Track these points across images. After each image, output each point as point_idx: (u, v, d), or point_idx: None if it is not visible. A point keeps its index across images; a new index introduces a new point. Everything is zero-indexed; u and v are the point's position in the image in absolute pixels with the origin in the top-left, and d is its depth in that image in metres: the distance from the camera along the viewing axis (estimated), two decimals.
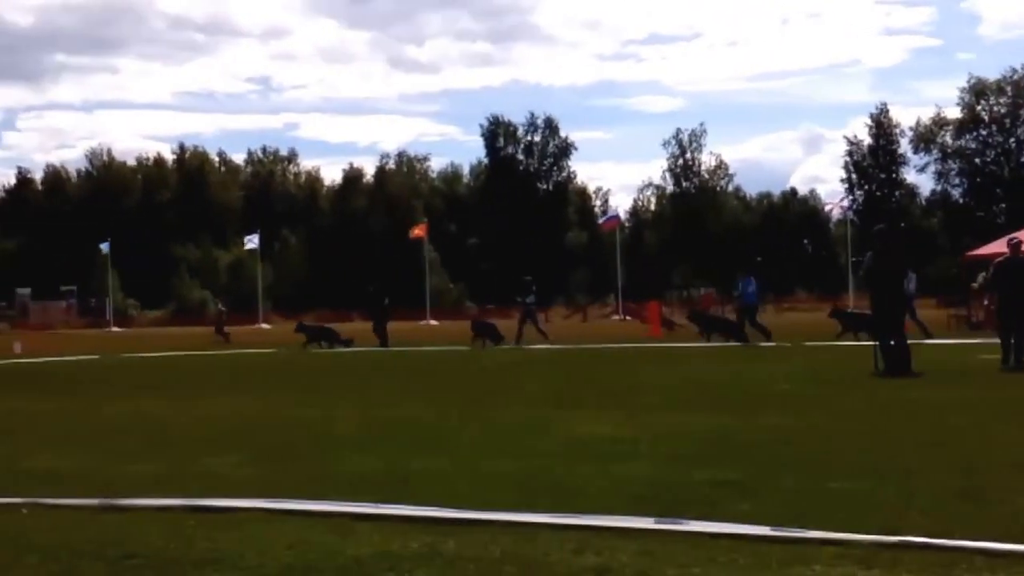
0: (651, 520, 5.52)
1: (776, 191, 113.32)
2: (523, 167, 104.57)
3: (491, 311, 64.05)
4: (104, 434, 10.24)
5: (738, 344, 24.29)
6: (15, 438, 9.99)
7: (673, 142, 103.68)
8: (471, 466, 7.57)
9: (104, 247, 72.90)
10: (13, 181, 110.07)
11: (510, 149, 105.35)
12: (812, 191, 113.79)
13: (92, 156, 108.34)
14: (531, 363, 21.19)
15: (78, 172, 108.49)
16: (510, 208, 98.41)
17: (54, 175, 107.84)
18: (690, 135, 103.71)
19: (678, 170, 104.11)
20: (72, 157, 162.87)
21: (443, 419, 10.85)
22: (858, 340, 22.85)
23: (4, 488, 6.91)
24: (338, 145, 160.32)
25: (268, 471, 7.67)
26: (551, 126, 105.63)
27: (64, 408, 13.30)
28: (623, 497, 6.30)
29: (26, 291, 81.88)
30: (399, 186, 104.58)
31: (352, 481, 7.04)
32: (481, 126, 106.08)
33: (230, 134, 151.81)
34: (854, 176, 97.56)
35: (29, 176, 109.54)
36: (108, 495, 6.52)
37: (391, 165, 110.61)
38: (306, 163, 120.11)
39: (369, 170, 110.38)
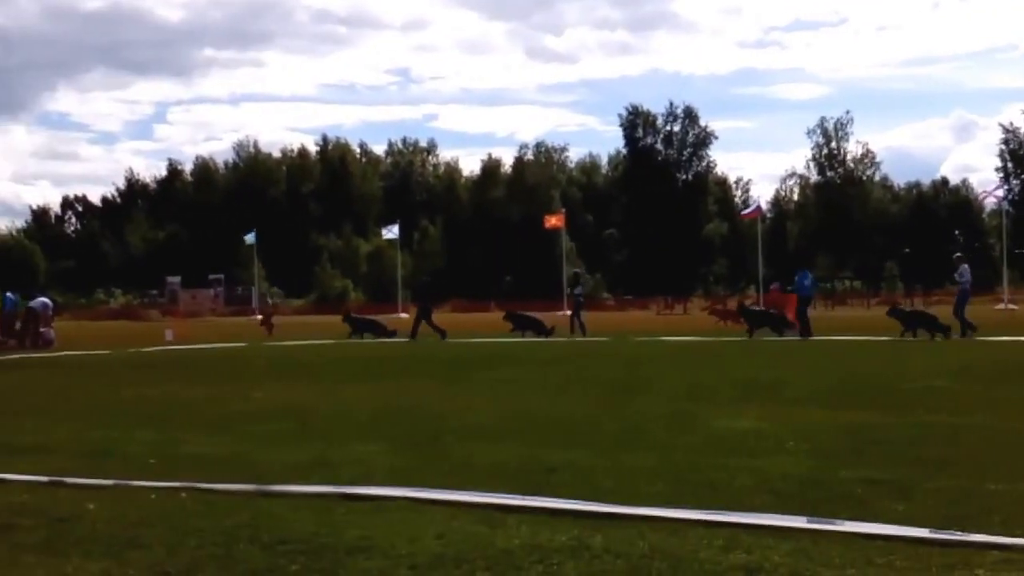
0: (803, 519, 5.39)
1: (925, 180, 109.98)
2: (662, 157, 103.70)
3: (629, 302, 63.72)
4: (253, 420, 10.51)
5: (799, 338, 24.78)
6: (170, 424, 10.32)
7: (818, 131, 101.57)
8: (613, 459, 7.52)
9: (250, 237, 75.13)
10: (164, 173, 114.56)
11: (649, 139, 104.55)
12: (964, 180, 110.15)
13: (239, 148, 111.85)
14: (663, 356, 20.99)
15: (225, 164, 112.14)
16: (648, 198, 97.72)
17: (203, 167, 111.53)
18: (836, 123, 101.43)
19: (823, 159, 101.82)
20: (220, 149, 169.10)
21: (580, 411, 10.81)
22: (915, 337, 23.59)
23: (163, 473, 7.17)
24: (476, 136, 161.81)
25: (411, 460, 7.77)
26: (691, 115, 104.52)
27: (214, 395, 13.71)
28: (770, 494, 6.18)
29: (176, 279, 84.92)
30: (536, 176, 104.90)
31: (493, 472, 7.08)
32: (620, 116, 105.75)
33: (371, 125, 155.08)
34: (1010, 165, 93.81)
35: (179, 168, 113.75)
36: (261, 481, 6.70)
37: (529, 155, 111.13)
38: (445, 154, 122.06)
39: (507, 160, 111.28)
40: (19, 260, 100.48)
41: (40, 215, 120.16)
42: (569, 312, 29.95)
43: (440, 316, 32.49)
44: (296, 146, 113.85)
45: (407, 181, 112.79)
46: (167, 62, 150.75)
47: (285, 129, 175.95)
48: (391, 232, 70.53)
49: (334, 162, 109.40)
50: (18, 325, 31.00)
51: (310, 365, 20.17)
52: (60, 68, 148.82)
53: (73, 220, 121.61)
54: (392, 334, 30.07)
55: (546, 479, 6.78)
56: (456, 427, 9.60)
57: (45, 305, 30.43)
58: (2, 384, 16.80)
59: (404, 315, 62.73)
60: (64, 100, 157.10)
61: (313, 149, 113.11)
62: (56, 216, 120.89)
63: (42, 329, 29.81)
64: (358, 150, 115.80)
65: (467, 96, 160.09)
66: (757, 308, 30.27)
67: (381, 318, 34.86)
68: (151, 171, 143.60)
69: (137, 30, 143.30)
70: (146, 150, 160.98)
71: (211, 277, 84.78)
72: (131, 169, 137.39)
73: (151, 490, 6.59)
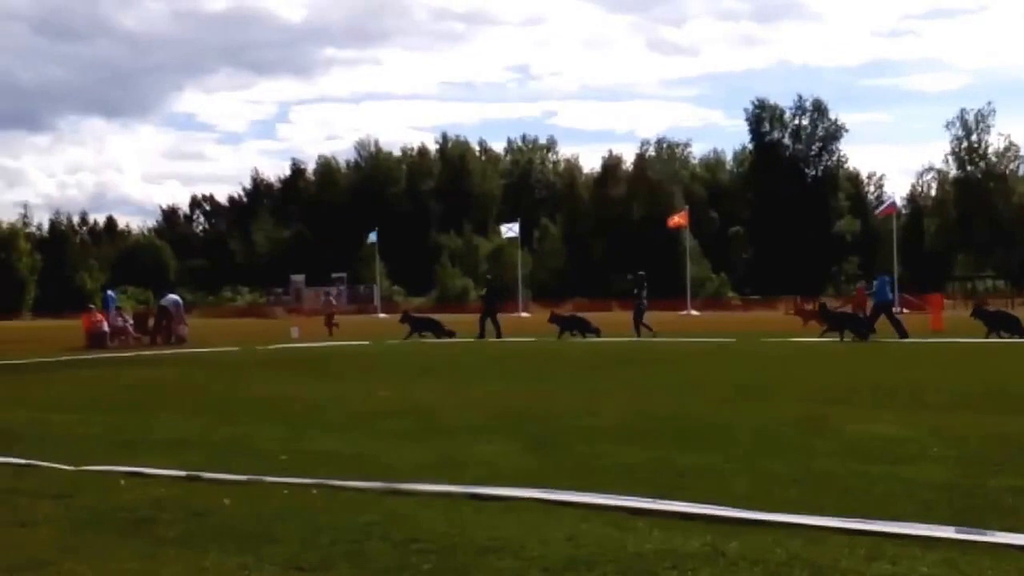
0: (951, 529, 5.15)
1: None
2: (790, 152, 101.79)
3: (755, 302, 62.76)
4: (380, 418, 10.60)
5: (861, 340, 24.47)
6: (299, 421, 10.49)
7: (957, 123, 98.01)
8: (746, 463, 7.33)
9: (371, 236, 76.32)
10: (288, 172, 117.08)
11: (776, 133, 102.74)
12: None
13: (360, 147, 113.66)
14: (791, 357, 20.55)
15: (347, 163, 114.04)
16: (776, 195, 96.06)
17: (325, 166, 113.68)
18: (976, 115, 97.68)
19: (962, 153, 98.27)
20: (341, 148, 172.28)
21: (708, 412, 10.61)
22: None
23: (295, 469, 7.25)
24: (596, 132, 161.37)
25: (538, 460, 7.71)
26: (820, 108, 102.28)
27: (341, 392, 13.89)
28: (913, 502, 5.93)
29: (300, 278, 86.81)
30: (659, 173, 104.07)
31: (622, 473, 6.97)
32: (745, 110, 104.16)
33: (490, 123, 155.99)
34: None
35: (302, 167, 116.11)
36: (389, 479, 6.72)
37: (650, 152, 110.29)
38: (565, 151, 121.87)
39: (628, 157, 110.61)
40: (150, 258, 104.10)
41: (170, 214, 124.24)
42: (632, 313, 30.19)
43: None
44: (416, 144, 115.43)
45: (527, 179, 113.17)
46: (289, 62, 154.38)
47: (405, 127, 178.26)
48: (511, 230, 70.83)
49: (454, 160, 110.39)
50: (151, 322, 32.10)
51: (434, 363, 20.32)
52: (187, 69, 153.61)
53: (201, 219, 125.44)
54: (451, 334, 30.17)
55: (676, 482, 6.64)
56: (582, 427, 9.51)
57: (176, 303, 31.38)
58: (137, 380, 17.33)
59: (525, 314, 63.01)
60: (191, 101, 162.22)
61: (433, 147, 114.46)
62: (185, 215, 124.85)
63: (177, 326, 30.74)
64: (477, 148, 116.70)
65: (587, 92, 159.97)
66: (838, 310, 29.69)
67: (500, 317, 34.95)
68: (275, 170, 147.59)
69: (260, 31, 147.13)
70: (270, 150, 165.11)
71: (334, 275, 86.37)
72: (256, 169, 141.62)
73: (283, 486, 6.67)
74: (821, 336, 26.20)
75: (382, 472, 7.06)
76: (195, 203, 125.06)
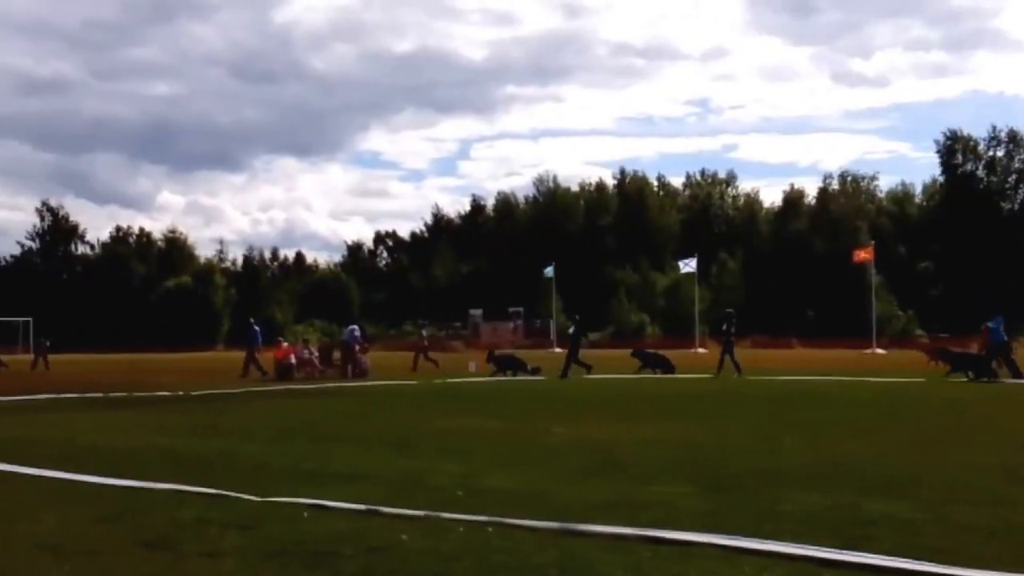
0: None
1: None
2: (984, 185, 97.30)
3: (945, 340, 59.94)
4: (553, 455, 10.56)
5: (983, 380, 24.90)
6: (475, 457, 10.54)
7: None
8: (939, 513, 6.95)
9: (548, 270, 76.75)
10: (468, 208, 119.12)
11: (969, 166, 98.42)
12: None
13: (538, 183, 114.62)
14: (987, 399, 19.50)
15: (525, 198, 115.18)
16: (968, 229, 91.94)
17: (504, 202, 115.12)
18: None
19: None
20: (520, 184, 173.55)
21: (897, 457, 10.14)
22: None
23: (470, 506, 7.26)
24: (778, 166, 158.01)
25: (717, 503, 7.50)
26: (1016, 140, 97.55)
27: (515, 428, 13.93)
28: None
29: (478, 312, 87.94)
30: (843, 207, 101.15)
31: (805, 521, 6.72)
32: (936, 142, 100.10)
33: (669, 157, 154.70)
34: None
35: (482, 203, 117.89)
36: (565, 519, 6.65)
37: (834, 185, 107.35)
38: (745, 185, 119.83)
39: (811, 191, 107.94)
40: (336, 292, 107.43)
41: (354, 250, 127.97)
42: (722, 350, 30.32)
43: (740, 351, 31.72)
44: (594, 179, 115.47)
45: (706, 213, 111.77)
46: (471, 100, 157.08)
47: (583, 163, 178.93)
48: (689, 265, 70.06)
49: (631, 195, 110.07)
50: (335, 355, 33.08)
51: (608, 400, 20.18)
52: (373, 109, 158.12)
53: (384, 254, 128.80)
54: (535, 371, 29.88)
55: (863, 531, 6.34)
56: (763, 470, 9.23)
57: (354, 334, 32.25)
58: (319, 412, 17.82)
59: (701, 350, 62.14)
60: (376, 140, 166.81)
61: (611, 182, 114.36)
62: (369, 250, 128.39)
63: (359, 358, 31.58)
64: (655, 183, 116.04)
65: (768, 125, 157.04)
66: (958, 350, 29.34)
67: (668, 353, 34.56)
68: (455, 206, 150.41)
69: (444, 71, 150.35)
70: (451, 186, 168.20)
71: (511, 310, 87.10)
72: (437, 205, 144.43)
73: (459, 523, 6.68)
74: (946, 377, 26.19)
75: (557, 511, 6.99)
76: (379, 239, 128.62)
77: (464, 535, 6.36)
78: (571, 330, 32.10)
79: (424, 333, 41.75)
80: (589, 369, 29.54)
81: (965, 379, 25.48)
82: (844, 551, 5.69)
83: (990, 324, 26.96)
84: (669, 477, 8.78)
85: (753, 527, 6.43)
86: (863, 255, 64.91)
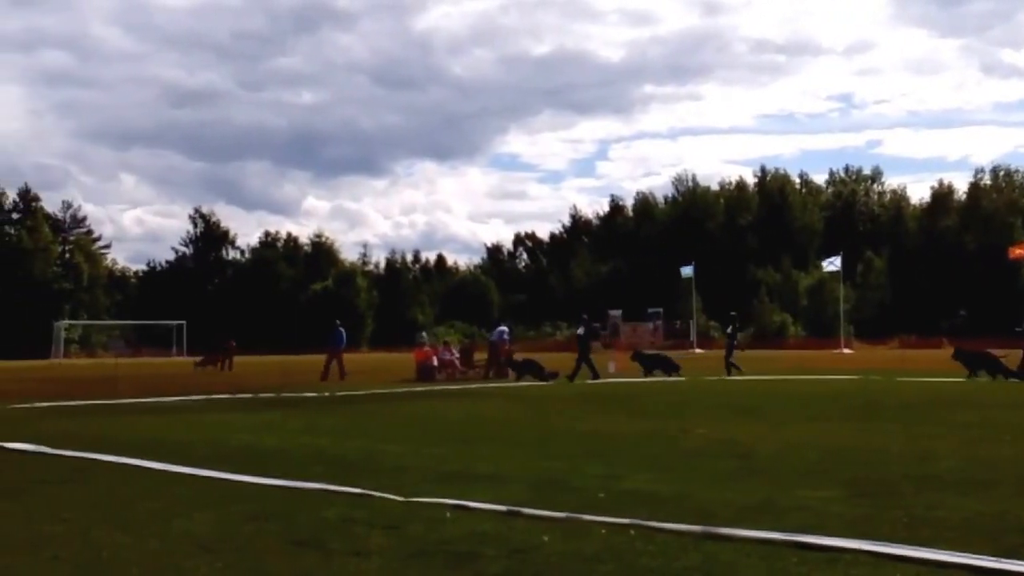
0: None
1: None
2: None
3: None
4: (697, 457, 10.43)
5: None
6: (616, 458, 10.48)
7: None
8: None
9: (687, 270, 75.97)
10: (607, 208, 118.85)
11: None
12: None
13: (677, 182, 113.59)
14: None
15: (664, 198, 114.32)
16: None
17: (643, 202, 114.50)
18: None
19: None
20: (658, 184, 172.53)
21: None
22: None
23: (612, 508, 7.22)
24: (925, 161, 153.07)
25: (865, 508, 7.29)
26: None
27: (657, 430, 13.81)
28: None
29: (617, 312, 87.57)
30: (995, 202, 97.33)
31: (960, 528, 6.48)
32: None
33: (811, 154, 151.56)
34: None
35: (621, 203, 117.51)
36: (708, 522, 6.55)
37: (986, 180, 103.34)
38: (891, 181, 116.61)
39: (960, 186, 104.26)
40: (476, 294, 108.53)
41: (494, 252, 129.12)
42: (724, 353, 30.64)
43: (886, 353, 30.81)
44: (734, 178, 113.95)
45: (850, 211, 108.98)
46: (609, 101, 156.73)
47: (723, 161, 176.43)
48: (832, 264, 68.44)
49: (773, 193, 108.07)
50: (476, 356, 33.39)
51: (749, 401, 19.84)
52: (511, 112, 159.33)
53: (523, 256, 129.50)
54: (551, 376, 28.57)
55: (1021, 539, 6.07)
56: (915, 475, 8.92)
57: (503, 336, 32.48)
58: (461, 413, 18.01)
59: (847, 351, 60.59)
60: (514, 142, 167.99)
61: (751, 180, 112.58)
62: (508, 252, 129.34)
63: (501, 359, 31.81)
64: (797, 180, 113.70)
65: (915, 119, 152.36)
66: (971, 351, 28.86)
67: (810, 354, 33.83)
68: (593, 207, 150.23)
69: (581, 72, 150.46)
70: (589, 187, 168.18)
71: (650, 311, 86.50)
72: (575, 206, 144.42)
73: (601, 525, 6.66)
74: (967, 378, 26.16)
75: (700, 515, 6.91)
76: (518, 240, 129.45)
77: (606, 537, 6.33)
78: (579, 331, 30.19)
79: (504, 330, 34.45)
80: (596, 376, 28.29)
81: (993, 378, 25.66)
82: (1001, 559, 5.46)
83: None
84: (815, 480, 8.58)
85: (905, 533, 6.24)
86: (1019, 251, 62.23)
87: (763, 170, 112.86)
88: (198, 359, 44.62)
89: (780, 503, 7.47)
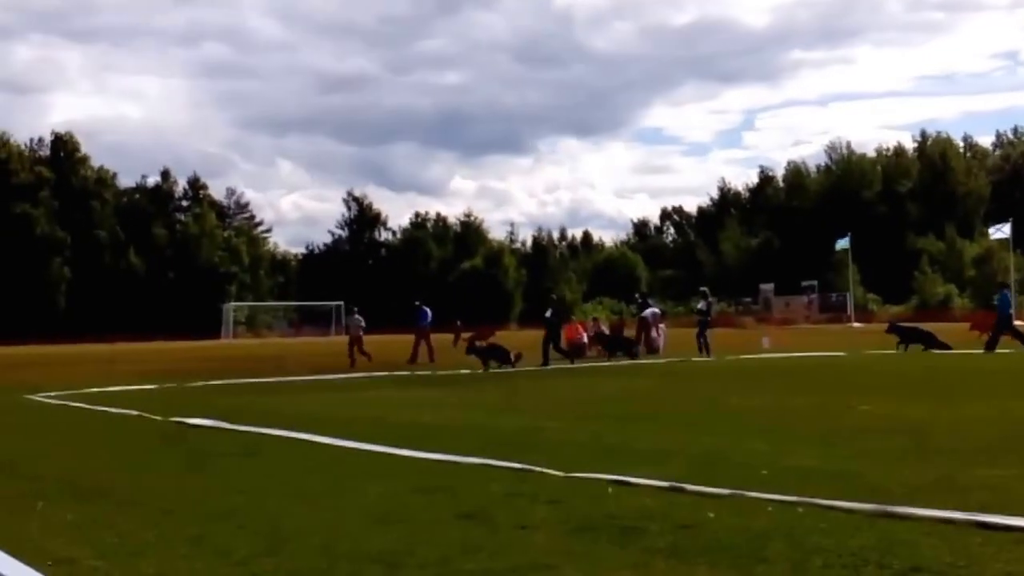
0: None
1: None
2: None
3: None
4: (863, 434, 10.13)
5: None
6: (777, 435, 10.29)
7: None
8: None
9: (843, 242, 73.86)
10: (756, 180, 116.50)
11: None
12: None
13: (830, 150, 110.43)
14: None
15: (817, 167, 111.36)
16: None
17: (794, 171, 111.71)
18: None
19: None
20: (810, 152, 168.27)
21: None
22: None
23: (777, 485, 7.08)
24: None
25: None
26: None
27: (818, 405, 13.50)
28: None
29: (769, 287, 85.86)
30: None
31: None
32: None
33: (974, 116, 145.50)
34: None
35: (771, 174, 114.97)
36: (882, 500, 6.37)
37: None
38: None
39: None
40: (623, 271, 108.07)
41: (640, 227, 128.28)
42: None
43: None
44: (891, 144, 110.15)
45: (1018, 174, 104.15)
46: (754, 69, 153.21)
47: (879, 127, 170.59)
48: (1001, 231, 65.51)
49: (934, 158, 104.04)
50: (627, 333, 33.23)
51: (914, 377, 19.21)
52: (654, 85, 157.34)
53: (671, 230, 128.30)
54: (517, 360, 25.82)
55: None
56: None
57: (654, 314, 32.28)
58: (614, 389, 17.98)
59: (1019, 323, 57.88)
60: (658, 115, 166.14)
61: (910, 146, 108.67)
62: (655, 227, 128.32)
63: (653, 336, 31.62)
64: (961, 144, 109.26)
65: None
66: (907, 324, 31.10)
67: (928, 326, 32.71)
68: (742, 179, 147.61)
69: (725, 40, 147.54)
70: (736, 158, 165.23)
71: (804, 284, 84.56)
72: (723, 178, 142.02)
73: (767, 502, 6.53)
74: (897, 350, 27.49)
75: (871, 493, 6.70)
76: (665, 215, 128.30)
77: (774, 515, 6.21)
78: (547, 313, 27.81)
79: (360, 320, 32.34)
80: (572, 360, 26.91)
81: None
82: None
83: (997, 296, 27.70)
84: (994, 458, 8.22)
85: None
86: None
87: (923, 134, 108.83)
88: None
89: (958, 481, 7.19)
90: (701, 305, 29.03)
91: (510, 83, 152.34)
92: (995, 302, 27.81)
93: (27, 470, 9.24)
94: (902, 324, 32.20)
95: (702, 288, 31.90)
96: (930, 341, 28.35)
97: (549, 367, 25.48)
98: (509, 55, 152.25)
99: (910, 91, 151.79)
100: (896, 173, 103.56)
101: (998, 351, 25.37)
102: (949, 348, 27.69)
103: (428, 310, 30.98)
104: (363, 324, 31.94)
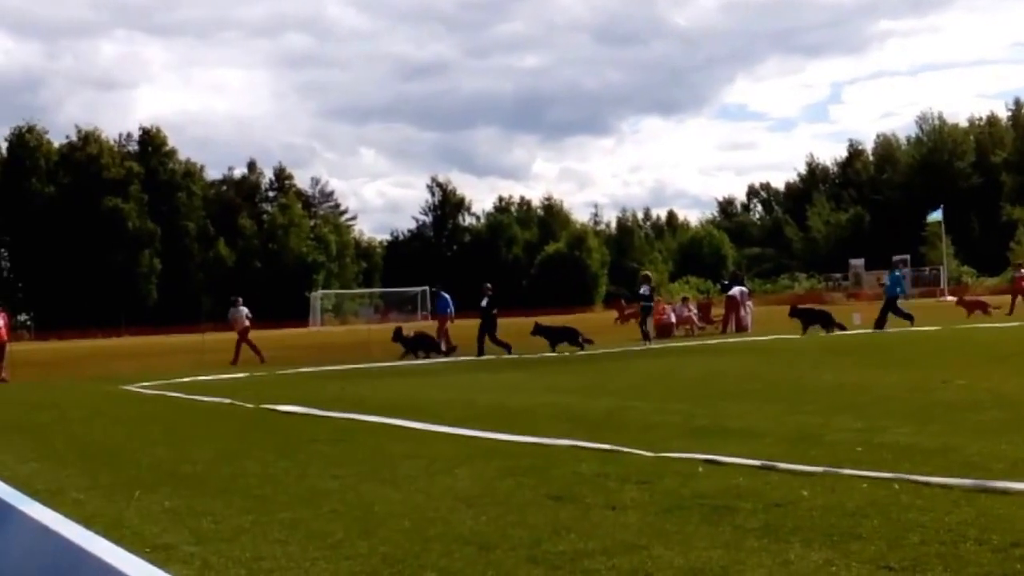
0: None
1: None
2: None
3: None
4: (959, 409, 9.91)
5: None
6: (870, 411, 10.11)
7: None
8: None
9: (935, 214, 72.13)
10: (844, 154, 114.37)
11: None
12: None
13: (921, 121, 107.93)
14: None
15: (907, 139, 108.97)
16: None
17: (884, 144, 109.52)
18: None
19: None
20: (900, 125, 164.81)
21: None
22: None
23: (871, 462, 6.98)
24: None
25: None
26: None
27: (912, 381, 13.22)
28: None
29: (859, 261, 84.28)
30: None
31: None
32: None
33: None
34: None
35: (859, 147, 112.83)
36: (980, 476, 6.23)
37: None
38: None
39: None
40: (709, 250, 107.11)
41: (726, 205, 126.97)
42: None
43: None
44: (985, 113, 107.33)
45: None
46: (840, 41, 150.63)
47: (972, 96, 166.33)
48: None
49: None
50: (713, 311, 32.97)
51: (1010, 351, 18.68)
52: (737, 60, 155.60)
53: (758, 207, 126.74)
54: (446, 351, 25.53)
55: None
56: None
57: (742, 292, 31.96)
58: (703, 369, 17.83)
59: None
60: (742, 91, 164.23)
61: (1004, 115, 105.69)
62: (742, 205, 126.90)
63: (741, 314, 31.30)
64: None
65: None
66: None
67: None
68: (830, 153, 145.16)
69: (810, 12, 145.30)
70: (823, 133, 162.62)
71: (895, 258, 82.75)
72: (810, 153, 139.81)
73: (861, 479, 6.44)
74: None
75: (969, 469, 6.57)
76: (751, 192, 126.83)
77: (868, 492, 6.12)
78: (483, 302, 25.97)
79: (245, 311, 28.31)
80: (509, 350, 24.65)
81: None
82: None
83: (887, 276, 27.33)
84: None
85: None
86: None
87: (1017, 103, 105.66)
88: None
89: None
90: (643, 290, 27.57)
91: (590, 63, 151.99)
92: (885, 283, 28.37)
93: (126, 459, 9.49)
94: (803, 307, 31.25)
95: (645, 273, 31.18)
96: (828, 321, 27.50)
97: (537, 355, 23.74)
98: (588, 35, 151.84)
99: (1003, 59, 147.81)
100: (990, 143, 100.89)
101: None
102: (844, 328, 27.33)
103: (448, 296, 28.07)
104: (250, 315, 28.21)
